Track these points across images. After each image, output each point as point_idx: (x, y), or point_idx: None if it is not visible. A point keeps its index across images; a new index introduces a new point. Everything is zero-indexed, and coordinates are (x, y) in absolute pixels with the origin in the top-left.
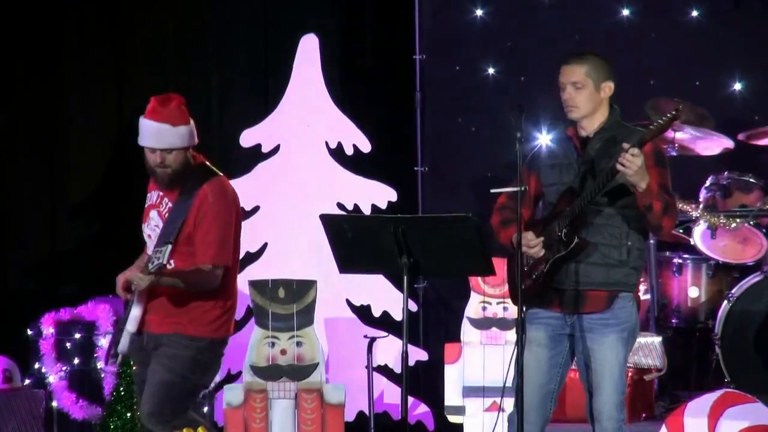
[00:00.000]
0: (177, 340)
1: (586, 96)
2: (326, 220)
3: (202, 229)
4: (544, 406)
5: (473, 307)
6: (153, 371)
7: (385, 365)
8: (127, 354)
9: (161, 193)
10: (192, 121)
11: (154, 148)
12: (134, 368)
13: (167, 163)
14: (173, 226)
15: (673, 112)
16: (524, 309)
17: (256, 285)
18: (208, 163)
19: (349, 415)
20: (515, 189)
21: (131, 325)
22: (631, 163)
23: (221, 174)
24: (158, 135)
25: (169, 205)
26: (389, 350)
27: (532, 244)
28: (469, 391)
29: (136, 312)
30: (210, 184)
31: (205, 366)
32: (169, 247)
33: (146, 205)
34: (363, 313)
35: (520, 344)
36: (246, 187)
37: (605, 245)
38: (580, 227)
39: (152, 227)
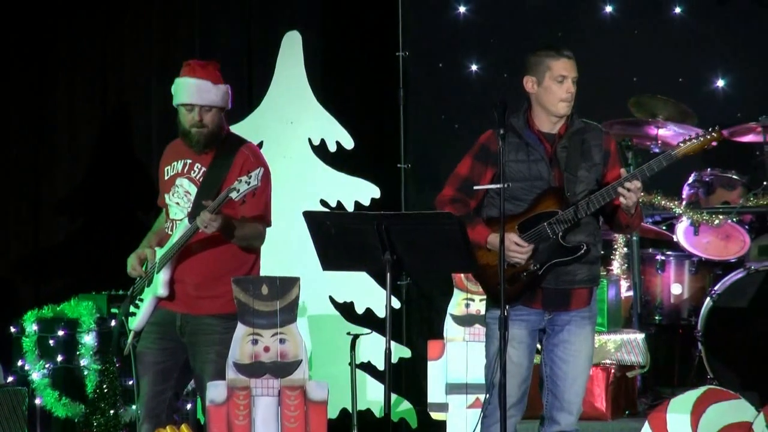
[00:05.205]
0: (219, 322)
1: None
2: (309, 217)
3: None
4: (523, 401)
5: (456, 304)
6: (208, 361)
7: (368, 362)
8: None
9: (189, 161)
10: (228, 85)
11: (194, 105)
12: (151, 347)
13: (206, 121)
14: (213, 186)
15: (713, 134)
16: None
17: (239, 282)
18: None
19: (332, 412)
20: (498, 186)
21: (163, 289)
22: (632, 195)
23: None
24: (199, 91)
25: (203, 169)
26: (372, 347)
27: (524, 251)
28: (453, 388)
29: (165, 276)
30: (247, 146)
31: None
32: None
33: (168, 177)
34: (346, 310)
35: (503, 341)
36: None
37: (587, 243)
38: (572, 229)
39: (182, 194)
